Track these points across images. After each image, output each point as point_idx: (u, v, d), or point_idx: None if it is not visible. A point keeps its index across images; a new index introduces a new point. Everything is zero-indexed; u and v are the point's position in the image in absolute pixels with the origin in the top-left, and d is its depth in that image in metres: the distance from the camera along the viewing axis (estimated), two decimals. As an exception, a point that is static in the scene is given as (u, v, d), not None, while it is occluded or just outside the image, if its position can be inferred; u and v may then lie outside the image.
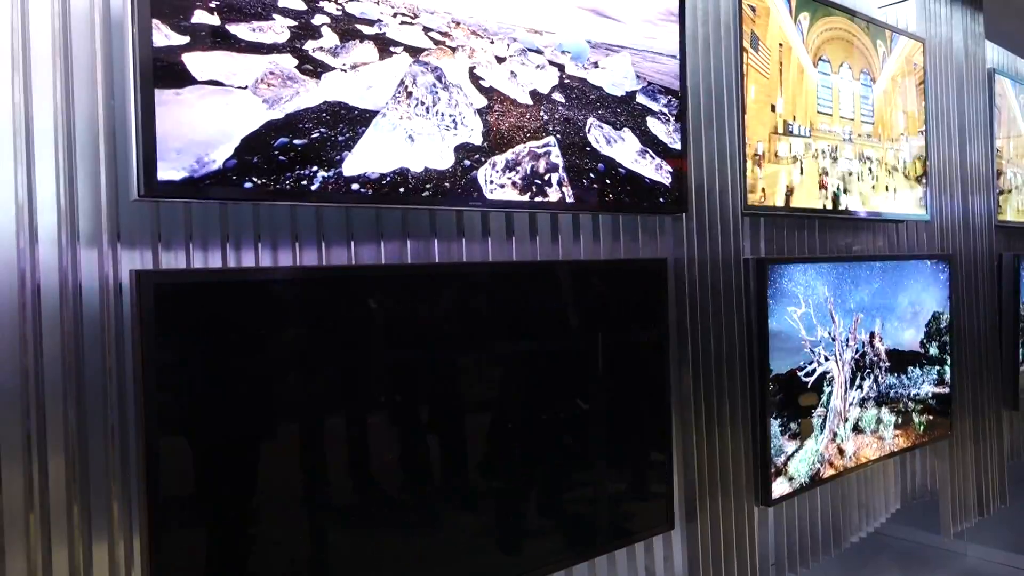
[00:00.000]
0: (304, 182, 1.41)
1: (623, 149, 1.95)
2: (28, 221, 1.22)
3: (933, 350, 3.14)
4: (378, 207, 1.58)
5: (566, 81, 1.83)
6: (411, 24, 1.56)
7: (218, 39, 1.32)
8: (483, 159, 1.67)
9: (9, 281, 1.21)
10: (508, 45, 1.71)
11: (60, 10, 1.26)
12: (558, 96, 1.81)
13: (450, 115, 1.61)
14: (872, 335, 2.82)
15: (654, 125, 2.02)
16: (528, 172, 1.75)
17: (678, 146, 2.07)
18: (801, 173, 2.57)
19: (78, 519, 1.25)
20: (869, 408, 2.80)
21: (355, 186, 1.48)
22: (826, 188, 2.67)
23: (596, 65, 1.90)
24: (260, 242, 1.47)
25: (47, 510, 1.23)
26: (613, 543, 1.97)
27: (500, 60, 1.70)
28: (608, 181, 1.91)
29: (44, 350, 1.23)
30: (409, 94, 1.55)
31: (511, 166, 1.72)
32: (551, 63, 1.81)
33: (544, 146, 1.78)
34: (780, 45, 2.49)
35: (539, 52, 1.78)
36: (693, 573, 2.21)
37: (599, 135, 1.90)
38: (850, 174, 2.78)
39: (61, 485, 1.24)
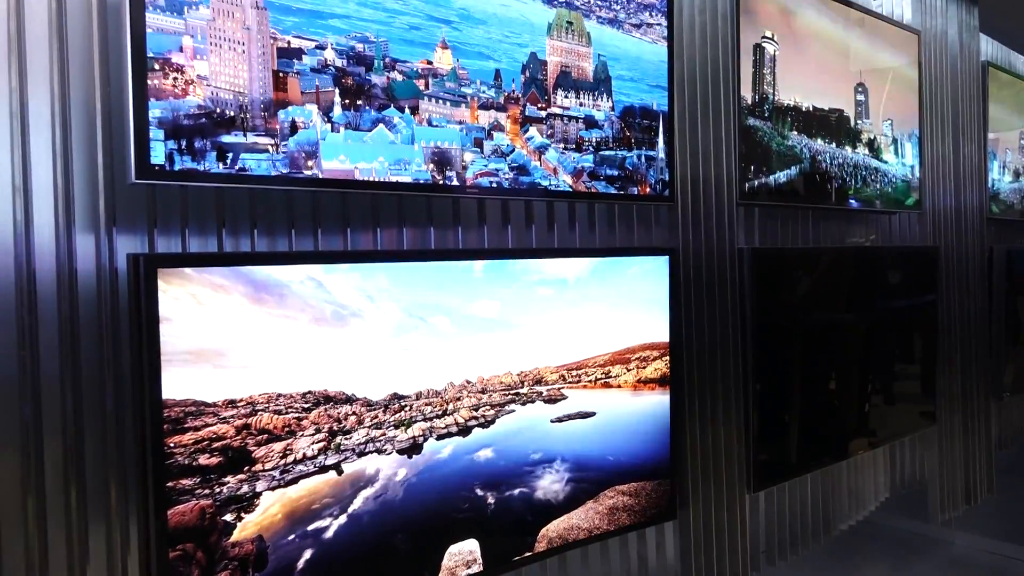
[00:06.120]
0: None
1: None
2: (24, 206, 1.22)
3: (921, 341, 3.16)
4: (375, 192, 1.58)
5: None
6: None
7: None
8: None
9: (5, 266, 1.20)
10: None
11: (56, -7, 1.25)
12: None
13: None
14: (859, 326, 2.83)
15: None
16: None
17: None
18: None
19: (75, 504, 1.26)
20: (858, 399, 2.82)
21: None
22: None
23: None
24: (256, 228, 1.47)
25: (44, 495, 1.23)
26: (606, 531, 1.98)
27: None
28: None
29: (40, 335, 1.23)
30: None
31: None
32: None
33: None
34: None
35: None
36: (685, 560, 2.23)
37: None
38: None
39: (59, 470, 1.24)
